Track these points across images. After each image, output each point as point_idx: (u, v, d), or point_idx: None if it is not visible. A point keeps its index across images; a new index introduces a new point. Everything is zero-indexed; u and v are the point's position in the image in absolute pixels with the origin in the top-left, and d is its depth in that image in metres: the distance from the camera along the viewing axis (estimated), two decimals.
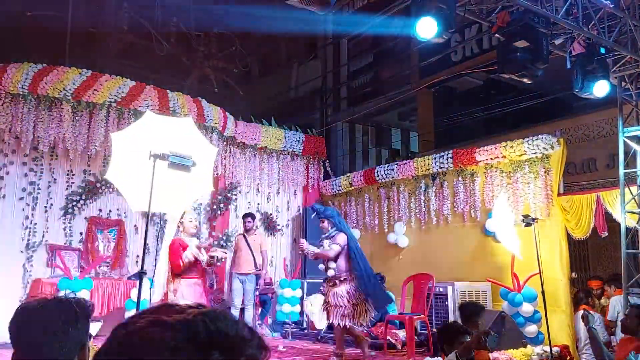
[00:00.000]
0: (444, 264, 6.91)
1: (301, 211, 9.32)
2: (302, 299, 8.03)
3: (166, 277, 4.38)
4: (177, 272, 4.20)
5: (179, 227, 4.48)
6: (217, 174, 8.02)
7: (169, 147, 3.49)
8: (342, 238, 4.85)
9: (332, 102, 11.41)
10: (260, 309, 7.52)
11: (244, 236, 6.68)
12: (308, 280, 8.11)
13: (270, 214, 8.91)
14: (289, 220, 9.18)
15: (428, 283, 6.17)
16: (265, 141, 8.61)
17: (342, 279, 4.82)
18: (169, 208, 4.14)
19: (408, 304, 6.39)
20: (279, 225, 8.99)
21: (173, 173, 3.55)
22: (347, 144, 11.32)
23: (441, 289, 6.27)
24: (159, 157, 3.38)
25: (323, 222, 4.88)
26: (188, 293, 4.24)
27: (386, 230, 7.91)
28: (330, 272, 4.77)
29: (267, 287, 7.40)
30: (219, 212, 8.04)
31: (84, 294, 5.72)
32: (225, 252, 4.46)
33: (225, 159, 8.13)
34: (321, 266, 4.81)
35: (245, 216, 7.04)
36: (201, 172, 3.88)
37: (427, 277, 6.26)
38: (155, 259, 6.85)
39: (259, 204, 8.80)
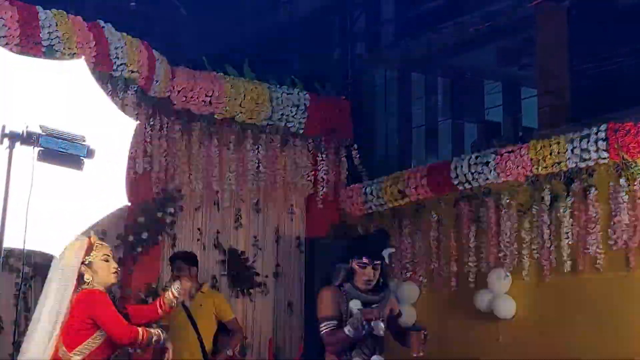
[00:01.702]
0: (588, 352, 6.88)
1: (303, 246, 9.29)
2: None
3: None
4: (130, 340, 4.56)
5: (83, 275, 4.56)
6: (135, 172, 8.01)
7: (39, 118, 3.49)
8: None
9: (365, 31, 11.36)
10: None
11: (182, 302, 6.70)
12: None
13: (241, 254, 8.96)
14: (278, 265, 9.23)
15: None
16: (231, 108, 8.70)
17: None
18: (42, 242, 4.13)
19: None
20: (257, 274, 9.05)
21: (49, 172, 3.55)
22: (395, 113, 11.27)
23: None
24: (19, 138, 3.38)
25: (378, 269, 4.97)
26: None
27: (472, 284, 7.95)
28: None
29: None
30: (139, 250, 8.10)
31: None
32: (162, 333, 4.73)
33: (151, 142, 8.18)
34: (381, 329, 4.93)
35: (173, 259, 7.02)
36: (105, 169, 3.88)
37: None
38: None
39: (218, 232, 8.88)
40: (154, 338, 4.61)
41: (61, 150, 3.56)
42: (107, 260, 4.59)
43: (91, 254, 4.55)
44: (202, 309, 6.79)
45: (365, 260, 4.93)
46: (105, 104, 4.04)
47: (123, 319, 4.56)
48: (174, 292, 4.85)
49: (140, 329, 4.55)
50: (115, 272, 4.64)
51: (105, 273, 4.57)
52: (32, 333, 4.49)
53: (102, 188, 3.94)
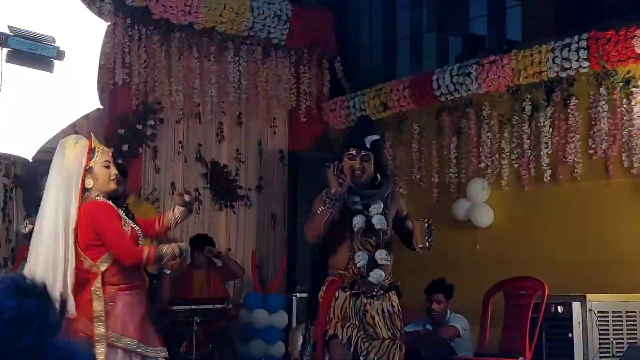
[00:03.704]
0: (565, 259, 7.02)
1: (286, 159, 9.36)
2: (287, 328, 8.21)
3: (73, 277, 4.40)
4: (134, 262, 4.43)
5: (84, 181, 4.41)
6: (114, 81, 8.07)
7: (8, 19, 3.46)
8: None
9: None
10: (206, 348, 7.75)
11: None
12: (300, 295, 8.26)
13: (224, 167, 9.04)
14: (261, 178, 9.31)
15: (534, 296, 6.28)
16: (211, 18, 8.61)
17: (392, 284, 4.89)
18: (15, 145, 4.16)
19: (495, 335, 6.56)
20: (240, 187, 9.14)
21: (17, 73, 3.54)
22: (380, 24, 11.19)
23: (560, 308, 6.39)
24: None
25: (368, 161, 4.81)
26: (127, 312, 4.41)
27: (453, 193, 8.05)
28: (378, 275, 4.77)
29: (220, 306, 7.58)
30: (119, 162, 8.04)
31: None
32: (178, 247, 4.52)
33: (130, 52, 8.18)
34: (364, 259, 4.77)
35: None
36: (77, 71, 3.88)
37: (532, 284, 6.39)
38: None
39: (200, 145, 8.93)
40: (167, 255, 4.40)
41: (30, 51, 3.54)
42: (107, 167, 4.46)
43: (93, 159, 4.41)
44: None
45: (352, 151, 4.74)
46: (74, 3, 4.01)
47: (127, 236, 4.45)
48: (177, 214, 4.70)
49: (145, 249, 4.43)
50: (115, 179, 4.51)
51: (105, 179, 4.44)
52: (37, 242, 4.38)
53: (74, 90, 3.93)
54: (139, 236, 4.54)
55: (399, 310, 4.86)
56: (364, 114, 8.84)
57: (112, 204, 4.51)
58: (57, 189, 4.38)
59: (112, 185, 4.48)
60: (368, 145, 4.77)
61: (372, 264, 4.72)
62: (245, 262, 8.91)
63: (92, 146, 4.43)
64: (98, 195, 4.45)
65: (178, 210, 4.70)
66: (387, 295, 4.82)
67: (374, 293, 4.75)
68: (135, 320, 4.43)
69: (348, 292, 4.72)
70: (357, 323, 4.68)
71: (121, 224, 4.46)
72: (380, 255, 4.74)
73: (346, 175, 4.73)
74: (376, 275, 4.71)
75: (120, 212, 4.56)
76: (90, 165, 4.38)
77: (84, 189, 4.39)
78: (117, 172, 4.53)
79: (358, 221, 4.70)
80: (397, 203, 4.98)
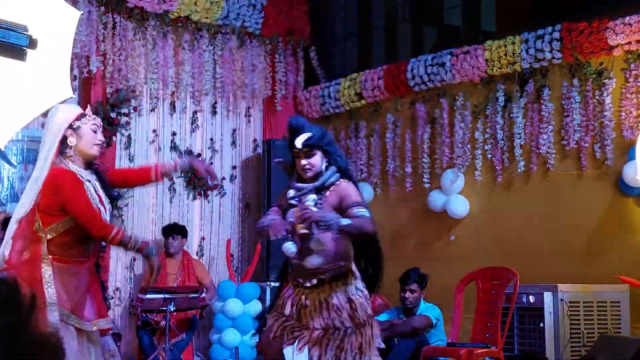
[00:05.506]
0: (537, 250, 7.09)
1: (260, 148, 9.36)
2: (261, 318, 8.19)
3: (14, 245, 4.41)
4: (102, 235, 4.42)
5: (66, 138, 4.39)
6: (88, 70, 8.05)
7: None
8: (357, 191, 4.96)
9: None
10: (180, 337, 7.82)
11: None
12: (274, 284, 8.28)
13: (198, 156, 9.04)
14: (235, 166, 9.32)
15: (506, 286, 6.33)
16: (186, 6, 8.57)
17: (341, 271, 4.87)
18: None
19: (467, 325, 6.61)
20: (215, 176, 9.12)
21: None
22: (355, 14, 11.17)
23: (532, 298, 6.48)
24: None
25: (311, 156, 4.81)
26: (67, 289, 4.37)
27: (427, 184, 8.05)
28: (315, 260, 4.75)
29: (193, 295, 7.62)
30: None
31: None
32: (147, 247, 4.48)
33: (104, 40, 8.13)
34: (290, 247, 4.81)
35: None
36: (50, 60, 3.84)
37: (504, 274, 6.42)
38: None
39: (174, 134, 8.91)
40: (131, 244, 4.40)
41: (2, 39, 3.51)
42: (95, 131, 4.44)
43: (82, 120, 4.40)
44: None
45: (295, 150, 4.71)
46: None
47: (94, 208, 4.40)
48: (178, 170, 4.87)
49: (115, 229, 4.42)
50: (99, 144, 4.48)
51: (89, 141, 4.41)
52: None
53: (47, 79, 3.90)
54: (101, 213, 4.47)
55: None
56: (337, 108, 8.95)
57: (79, 174, 4.43)
58: (49, 145, 4.37)
59: (94, 151, 4.46)
60: (300, 147, 4.71)
61: (307, 251, 4.68)
62: (219, 251, 8.94)
63: (85, 112, 4.47)
64: (72, 161, 4.41)
65: (180, 167, 4.80)
66: (329, 285, 4.73)
67: (309, 285, 4.73)
68: (68, 291, 4.37)
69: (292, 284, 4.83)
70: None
71: (87, 195, 4.41)
72: (314, 241, 4.72)
73: (297, 172, 4.81)
74: (312, 261, 4.68)
75: (89, 184, 4.47)
76: (78, 125, 4.38)
77: (65, 146, 4.38)
78: (102, 139, 4.52)
79: (291, 214, 4.71)
80: (339, 193, 4.81)
